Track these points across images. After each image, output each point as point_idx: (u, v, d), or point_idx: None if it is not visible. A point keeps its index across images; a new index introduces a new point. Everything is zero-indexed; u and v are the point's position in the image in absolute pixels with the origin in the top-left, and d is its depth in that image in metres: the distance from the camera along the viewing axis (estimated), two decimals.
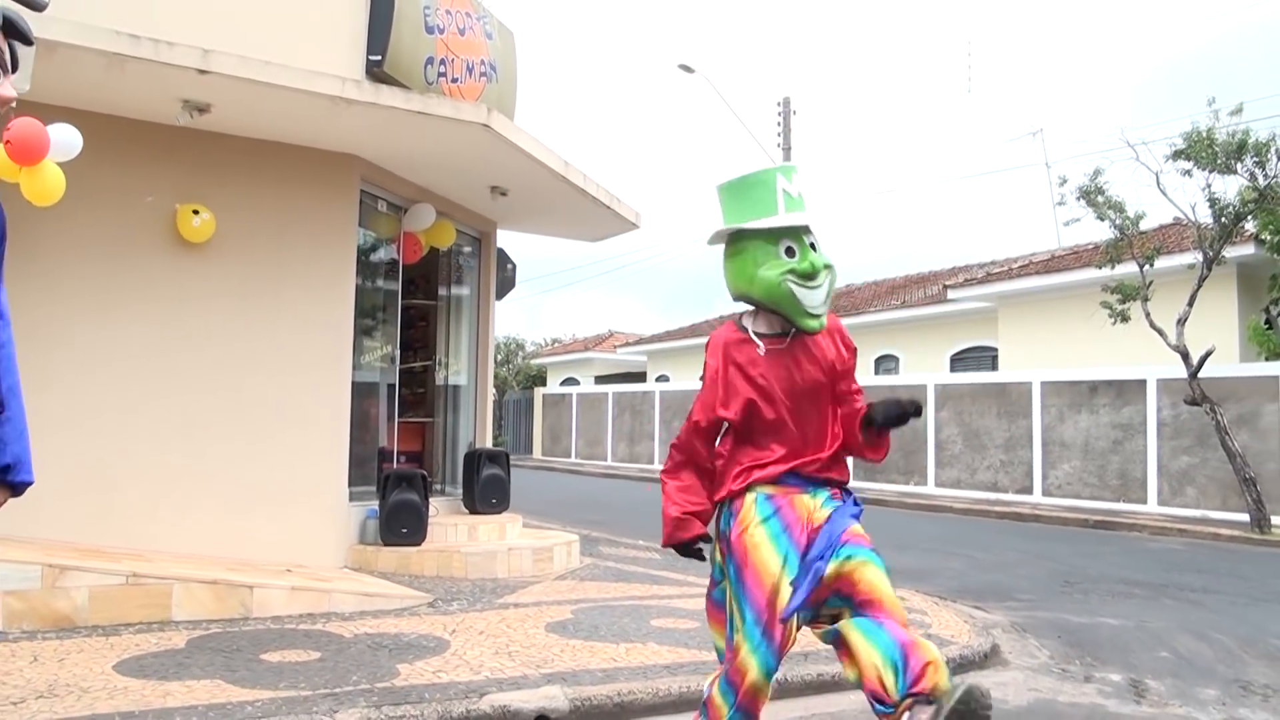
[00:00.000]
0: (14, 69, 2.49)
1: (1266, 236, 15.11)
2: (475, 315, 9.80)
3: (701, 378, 3.24)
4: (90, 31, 5.56)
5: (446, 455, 9.49)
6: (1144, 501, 15.76)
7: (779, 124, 21.84)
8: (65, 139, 5.48)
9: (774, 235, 3.11)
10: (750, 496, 3.06)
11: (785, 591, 2.88)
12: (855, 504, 3.15)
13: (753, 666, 2.86)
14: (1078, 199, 14.38)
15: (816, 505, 3.04)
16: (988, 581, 8.90)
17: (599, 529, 11.41)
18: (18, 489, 2.31)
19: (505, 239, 10.33)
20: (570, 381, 38.33)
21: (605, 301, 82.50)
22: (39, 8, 6.28)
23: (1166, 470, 15.59)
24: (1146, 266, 13.89)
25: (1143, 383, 16.07)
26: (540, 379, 40.65)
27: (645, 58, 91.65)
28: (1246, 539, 12.37)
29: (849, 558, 2.91)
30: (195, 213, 6.80)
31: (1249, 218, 13.63)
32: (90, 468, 6.42)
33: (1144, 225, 14.62)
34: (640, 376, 33.92)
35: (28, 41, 2.49)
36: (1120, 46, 65.85)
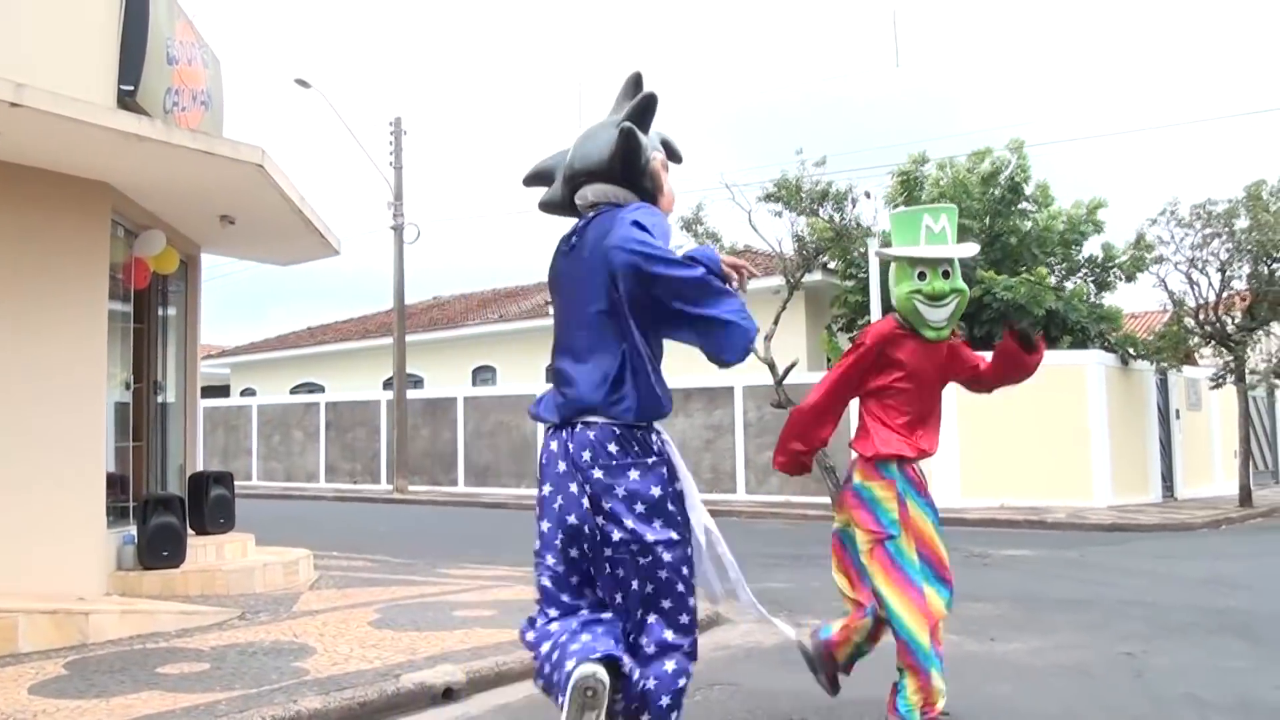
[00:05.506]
0: None
1: (837, 266, 18.42)
2: (183, 336, 9.83)
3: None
4: None
5: (157, 477, 9.46)
6: (734, 490, 18.50)
7: (391, 143, 22.47)
8: None
9: (913, 261, 4.17)
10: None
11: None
12: None
13: None
14: (681, 228, 16.66)
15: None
16: None
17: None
18: None
19: None
20: None
21: None
22: None
23: (753, 463, 18.42)
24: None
25: (731, 389, 18.90)
26: None
27: (267, 70, 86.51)
28: (829, 517, 14.96)
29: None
30: None
31: (826, 252, 16.64)
32: None
33: (725, 252, 17.21)
34: (224, 390, 32.63)
35: (678, 160, 3.34)
36: (697, 91, 73.19)
